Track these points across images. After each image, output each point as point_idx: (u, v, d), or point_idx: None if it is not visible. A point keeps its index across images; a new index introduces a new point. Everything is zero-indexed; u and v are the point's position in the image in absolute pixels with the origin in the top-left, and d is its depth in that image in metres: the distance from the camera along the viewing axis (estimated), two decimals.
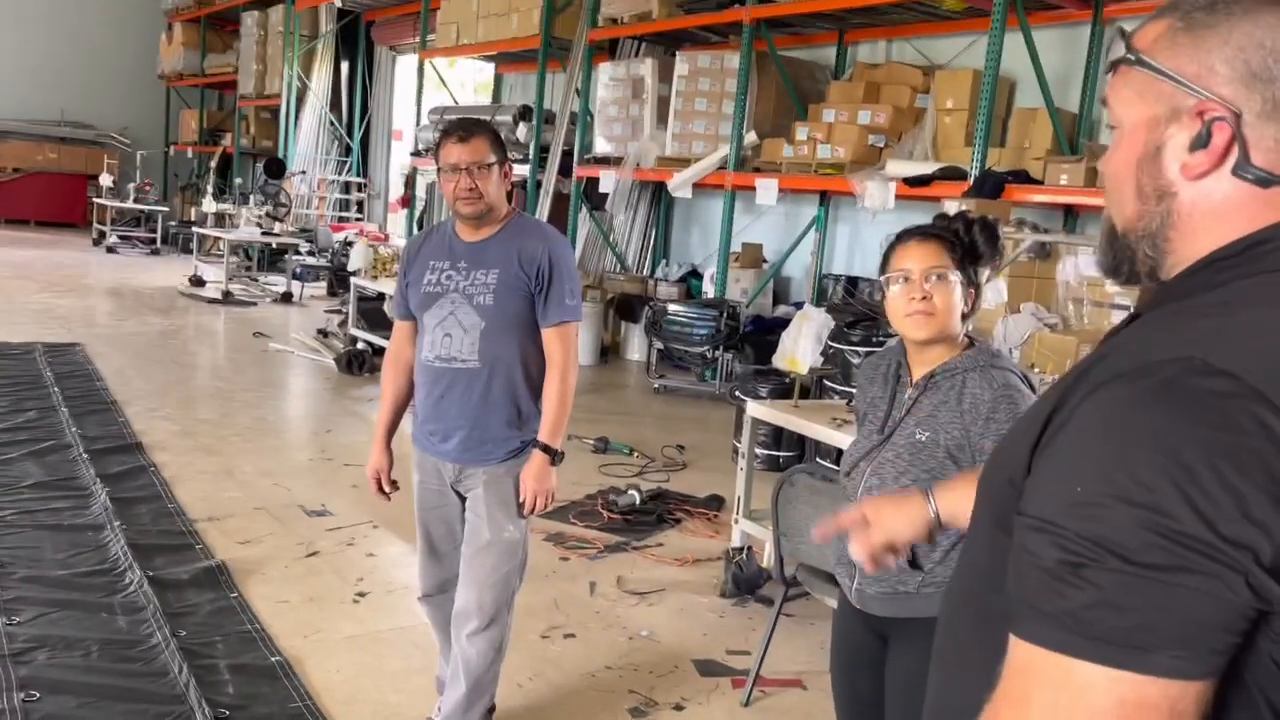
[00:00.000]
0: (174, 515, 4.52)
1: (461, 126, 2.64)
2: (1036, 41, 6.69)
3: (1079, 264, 5.68)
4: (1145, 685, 0.75)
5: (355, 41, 16.00)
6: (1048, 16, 7.09)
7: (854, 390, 2.40)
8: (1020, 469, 0.88)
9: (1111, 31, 6.35)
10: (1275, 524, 0.74)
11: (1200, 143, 0.89)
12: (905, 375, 2.04)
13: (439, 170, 2.66)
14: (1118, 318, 4.61)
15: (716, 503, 5.26)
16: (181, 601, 3.63)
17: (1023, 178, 6.54)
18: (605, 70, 9.83)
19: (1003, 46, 6.53)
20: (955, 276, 1.95)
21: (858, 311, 6.24)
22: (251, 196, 14.06)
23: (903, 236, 2.02)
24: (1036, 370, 4.25)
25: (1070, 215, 7.03)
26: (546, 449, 2.65)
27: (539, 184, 10.30)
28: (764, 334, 7.85)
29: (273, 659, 3.28)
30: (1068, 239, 5.90)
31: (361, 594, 3.89)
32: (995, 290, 4.82)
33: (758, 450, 5.73)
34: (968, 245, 1.96)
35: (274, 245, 13.10)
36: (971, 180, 6.53)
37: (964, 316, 1.99)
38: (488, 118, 10.75)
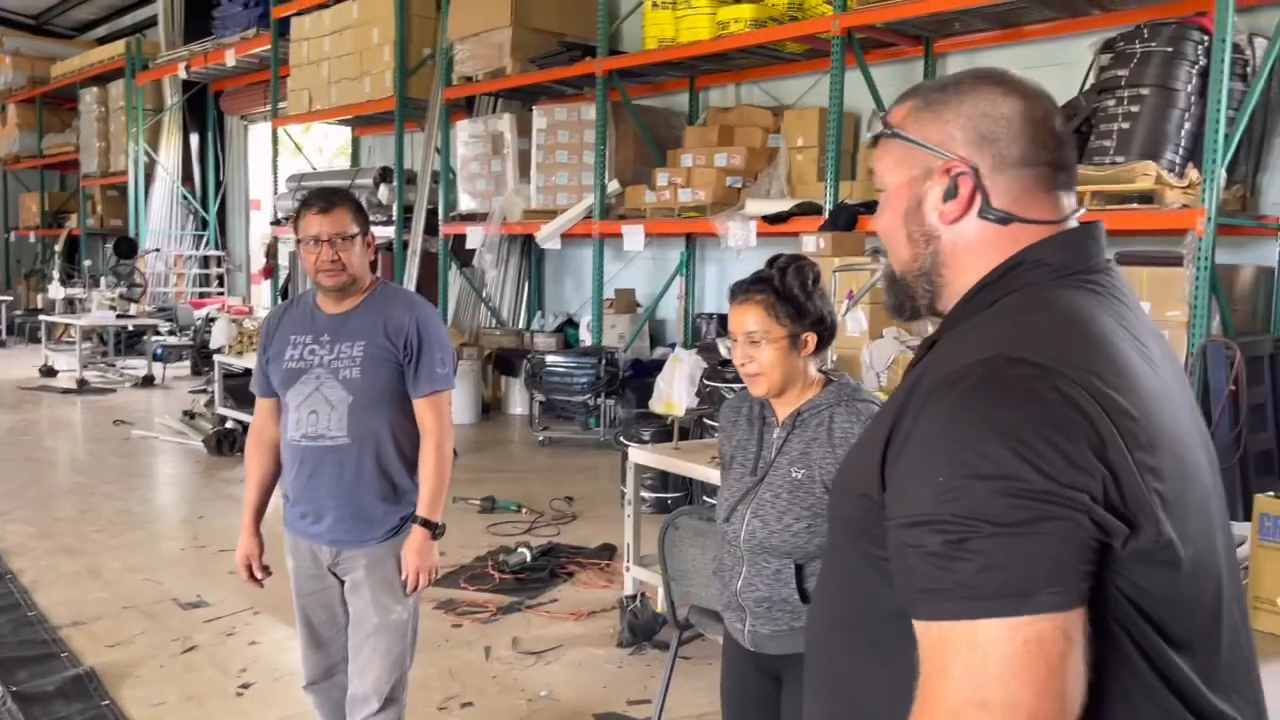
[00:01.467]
0: (34, 624, 4.25)
1: (322, 197, 2.59)
2: (875, 78, 7.00)
3: None
4: (1037, 623, 0.91)
5: (204, 112, 15.60)
6: (883, 54, 7.43)
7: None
8: (874, 484, 1.03)
9: (943, 67, 6.67)
10: (1096, 468, 0.92)
11: (950, 194, 1.11)
12: (770, 416, 2.09)
13: (299, 241, 2.60)
14: None
15: (609, 552, 5.24)
16: (49, 715, 3.42)
17: (874, 208, 6.77)
18: (464, 128, 9.84)
19: (844, 84, 6.81)
20: (775, 335, 2.00)
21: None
22: (103, 278, 13.48)
23: (733, 293, 2.07)
24: None
25: None
26: (426, 523, 2.59)
27: (405, 244, 10.20)
28: (644, 378, 7.91)
29: None
30: None
31: (245, 685, 3.72)
32: (855, 320, 4.98)
33: (646, 494, 5.75)
34: (787, 293, 2.02)
35: (131, 327, 12.57)
36: (827, 214, 6.76)
37: (819, 348, 2.05)
38: (348, 182, 10.64)
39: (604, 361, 7.98)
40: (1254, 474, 5.18)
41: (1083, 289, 1.07)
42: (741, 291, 2.05)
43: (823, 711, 1.18)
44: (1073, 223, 1.12)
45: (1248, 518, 4.54)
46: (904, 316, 1.21)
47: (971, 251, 1.11)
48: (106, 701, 3.54)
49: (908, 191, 1.14)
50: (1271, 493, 4.28)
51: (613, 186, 8.47)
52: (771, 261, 2.06)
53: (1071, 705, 0.91)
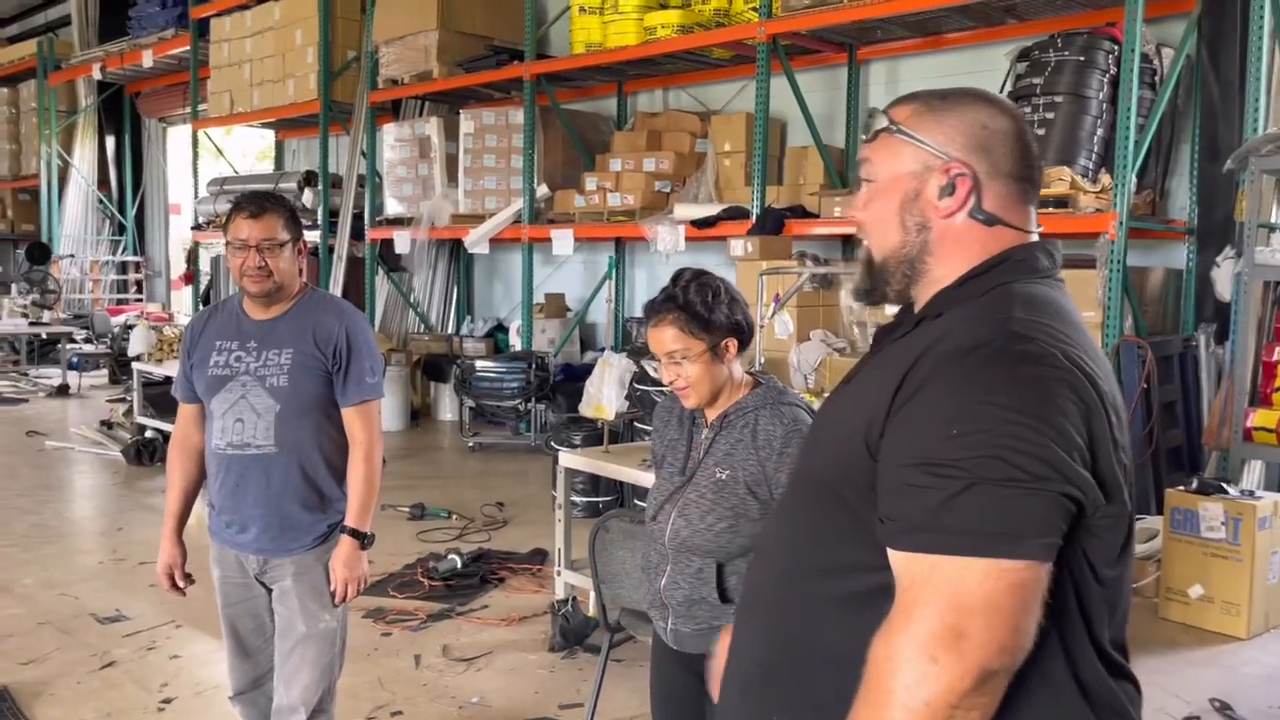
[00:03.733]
0: None
1: (254, 201, 2.54)
2: (801, 84, 7.10)
3: None
4: (1024, 570, 1.03)
5: (120, 114, 15.17)
6: (808, 60, 7.55)
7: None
8: (874, 434, 1.13)
9: (866, 74, 6.79)
10: (1086, 442, 1.06)
11: (947, 191, 1.23)
12: (700, 417, 2.11)
13: (227, 243, 2.54)
14: None
15: (540, 557, 5.22)
16: None
17: (800, 212, 6.90)
18: (390, 131, 9.74)
19: (770, 90, 6.90)
20: (695, 350, 2.02)
21: None
22: (14, 285, 13.04)
23: (646, 314, 2.09)
24: (826, 394, 4.47)
25: (847, 244, 7.45)
26: (355, 533, 2.56)
27: (331, 249, 10.05)
28: (574, 382, 7.89)
29: None
30: (845, 268, 6.26)
31: (167, 701, 3.63)
32: (782, 323, 5.05)
33: (578, 498, 5.75)
34: (692, 310, 2.03)
35: (44, 335, 12.16)
36: (754, 218, 6.84)
37: (741, 350, 2.08)
38: (271, 185, 10.44)
39: (534, 366, 7.95)
40: (1165, 470, 5.37)
41: (1054, 289, 1.23)
42: (654, 312, 2.07)
43: (771, 658, 1.25)
44: (1036, 235, 1.26)
45: (1159, 512, 4.71)
46: (872, 300, 1.31)
47: (959, 244, 1.23)
48: None
49: (904, 184, 1.25)
50: (1182, 487, 4.46)
51: (541, 191, 8.46)
52: (675, 278, 2.08)
53: (1029, 645, 1.04)
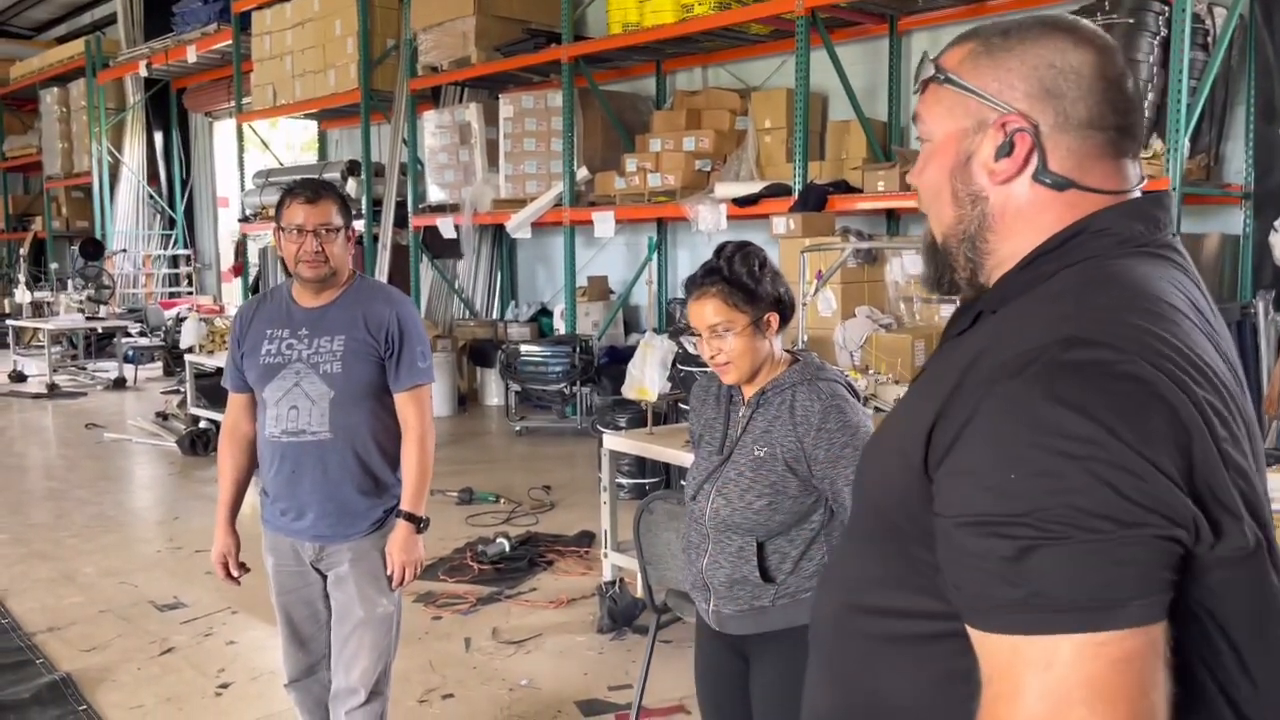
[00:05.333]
0: (9, 631, 4.20)
1: (308, 187, 2.55)
2: (841, 57, 7.00)
3: (905, 264, 5.94)
4: (1128, 639, 0.80)
5: (167, 110, 15.40)
6: (848, 33, 7.43)
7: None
8: (916, 471, 0.93)
9: (908, 45, 6.68)
10: (1187, 468, 0.82)
11: (1004, 151, 0.99)
12: (737, 395, 2.09)
13: (280, 229, 2.54)
14: (948, 312, 4.86)
15: (587, 539, 5.24)
16: None
17: (843, 188, 6.81)
18: (430, 119, 9.77)
19: (809, 65, 6.81)
20: (739, 324, 2.00)
21: None
22: (70, 281, 13.32)
23: (688, 289, 2.07)
24: (872, 371, 4.42)
25: (892, 219, 7.36)
26: (410, 517, 2.57)
27: (375, 238, 10.13)
28: (619, 364, 7.88)
29: None
30: (890, 243, 6.17)
31: (224, 686, 3.70)
32: (825, 300, 4.99)
33: (624, 480, 5.76)
34: (738, 282, 2.01)
35: (100, 330, 12.43)
36: (796, 195, 6.77)
37: (782, 326, 2.05)
38: (316, 175, 10.53)
39: (578, 349, 7.96)
40: None
41: (1151, 263, 0.98)
42: (696, 286, 2.04)
43: (831, 701, 1.09)
44: (1137, 194, 1.02)
45: None
46: (942, 290, 1.09)
47: (1022, 217, 1.01)
48: (84, 707, 3.51)
49: (956, 144, 1.03)
50: None
51: (582, 173, 8.44)
52: (719, 251, 2.06)
53: None
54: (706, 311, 2.02)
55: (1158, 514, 0.80)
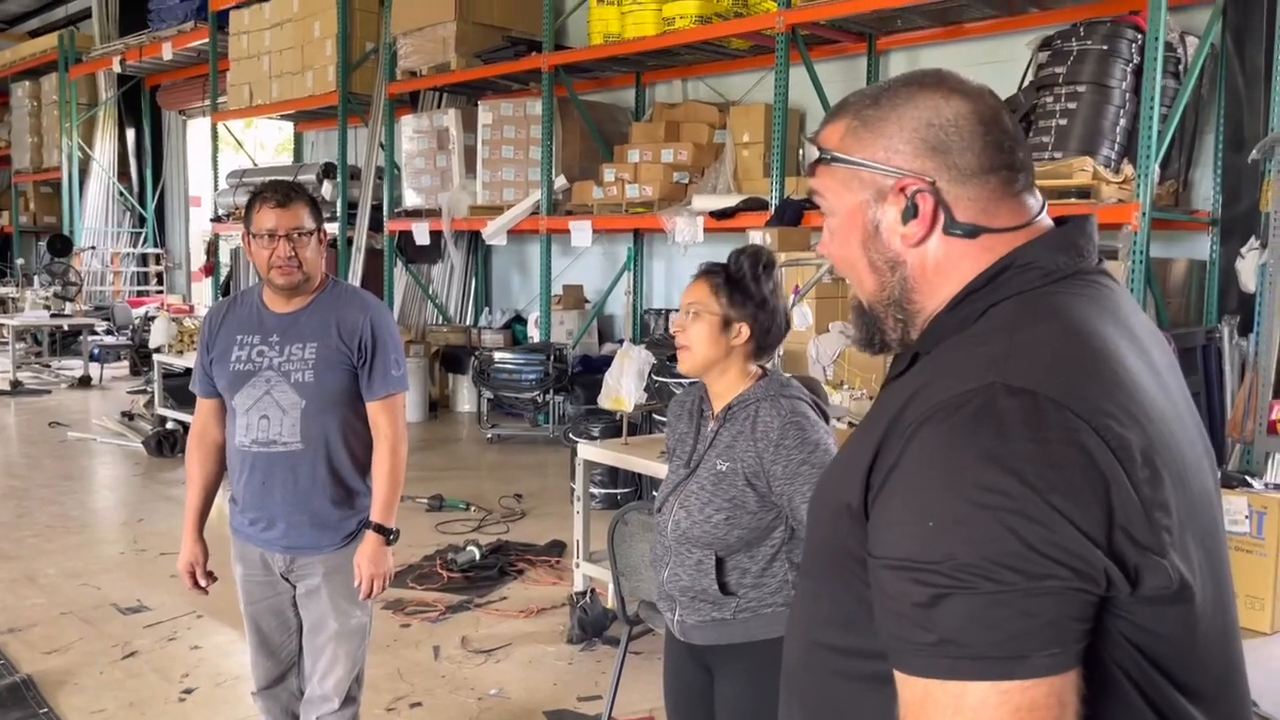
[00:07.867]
0: None
1: (278, 190, 2.48)
2: (820, 74, 7.05)
3: None
4: (1031, 689, 0.82)
5: (140, 107, 15.26)
6: (827, 51, 7.49)
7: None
8: (855, 513, 0.94)
9: (886, 64, 6.73)
10: (1103, 516, 0.82)
11: (910, 214, 1.01)
12: (708, 409, 2.11)
13: (250, 235, 2.48)
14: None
15: (558, 549, 5.23)
16: None
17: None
18: (408, 123, 9.74)
19: (789, 81, 6.86)
20: (709, 311, 2.05)
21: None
22: (36, 277, 13.15)
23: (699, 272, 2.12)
24: (846, 386, 4.45)
25: None
26: (380, 529, 2.53)
27: (349, 241, 10.08)
28: (593, 374, 7.89)
29: None
30: None
31: (188, 691, 3.65)
32: (801, 315, 5.02)
33: (596, 490, 5.75)
34: (737, 275, 2.05)
35: (66, 327, 12.27)
36: (772, 209, 6.80)
37: (761, 349, 2.06)
38: (290, 178, 10.47)
39: (552, 358, 7.96)
40: None
41: (1080, 295, 0.98)
42: (701, 272, 2.11)
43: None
44: (1045, 221, 1.03)
45: None
46: (874, 350, 1.10)
47: (942, 271, 1.02)
48: (45, 709, 3.46)
49: (861, 217, 1.04)
50: None
51: (559, 182, 8.45)
52: (739, 250, 2.12)
53: None
54: (694, 290, 2.08)
55: (1065, 566, 0.81)
